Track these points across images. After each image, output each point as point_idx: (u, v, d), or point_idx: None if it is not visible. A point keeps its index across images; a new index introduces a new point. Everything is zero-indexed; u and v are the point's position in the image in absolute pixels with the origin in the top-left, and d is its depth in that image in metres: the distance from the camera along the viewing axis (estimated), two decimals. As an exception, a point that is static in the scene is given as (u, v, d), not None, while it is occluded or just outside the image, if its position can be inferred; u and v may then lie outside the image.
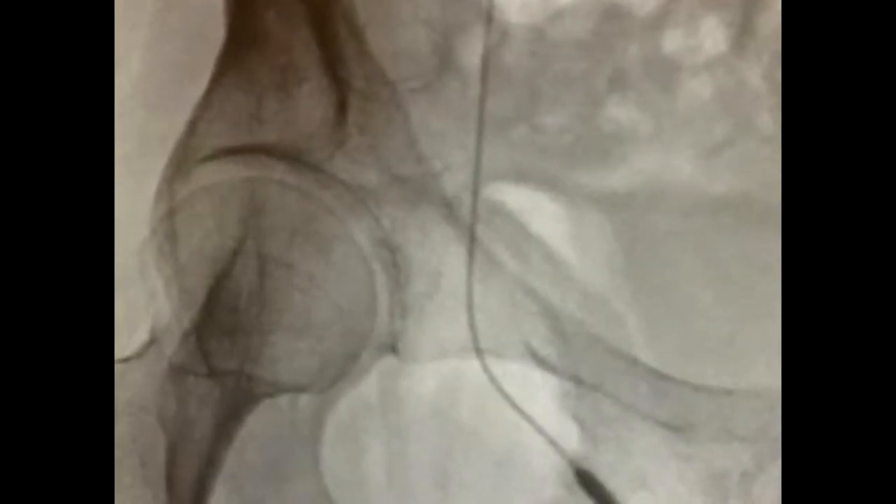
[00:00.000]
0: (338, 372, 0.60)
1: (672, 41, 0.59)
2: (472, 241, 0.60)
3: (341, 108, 0.60)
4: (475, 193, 0.60)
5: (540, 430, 0.59)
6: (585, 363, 0.60)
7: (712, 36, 0.59)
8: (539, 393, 0.60)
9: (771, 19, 0.59)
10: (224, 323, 0.60)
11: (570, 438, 0.60)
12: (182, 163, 0.60)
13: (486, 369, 0.59)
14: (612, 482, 0.59)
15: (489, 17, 0.59)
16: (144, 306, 0.60)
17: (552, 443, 0.59)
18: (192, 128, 0.60)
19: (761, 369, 0.58)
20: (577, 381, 0.60)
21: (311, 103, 0.60)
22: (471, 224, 0.60)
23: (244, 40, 0.60)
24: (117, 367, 0.58)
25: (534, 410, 0.59)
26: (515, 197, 0.60)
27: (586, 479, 0.59)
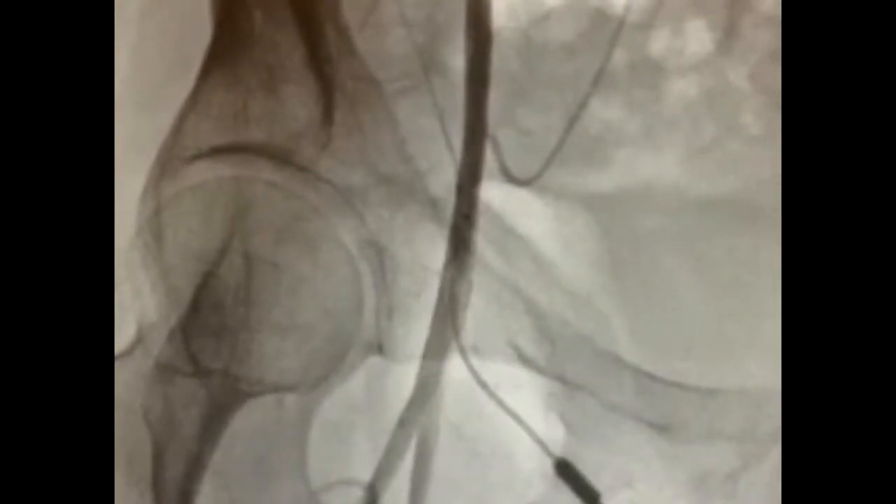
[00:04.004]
0: (324, 371, 0.60)
1: (658, 43, 0.59)
2: (457, 240, 0.60)
3: (328, 108, 0.60)
4: (464, 193, 0.60)
5: (525, 427, 0.59)
6: (571, 363, 0.60)
7: (698, 37, 0.59)
8: (525, 392, 0.60)
9: (756, 20, 0.59)
10: (210, 322, 0.60)
11: (556, 438, 0.60)
12: (169, 162, 0.60)
13: (472, 369, 0.59)
14: (598, 481, 0.59)
15: (475, 19, 0.59)
16: (131, 305, 0.60)
17: (537, 439, 0.59)
18: (179, 127, 0.60)
19: (747, 369, 0.58)
20: (563, 380, 0.60)
21: (297, 103, 0.60)
22: (458, 224, 0.60)
23: (231, 40, 0.60)
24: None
25: (519, 410, 0.60)
26: (502, 197, 0.60)
27: (564, 469, 0.59)
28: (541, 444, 0.59)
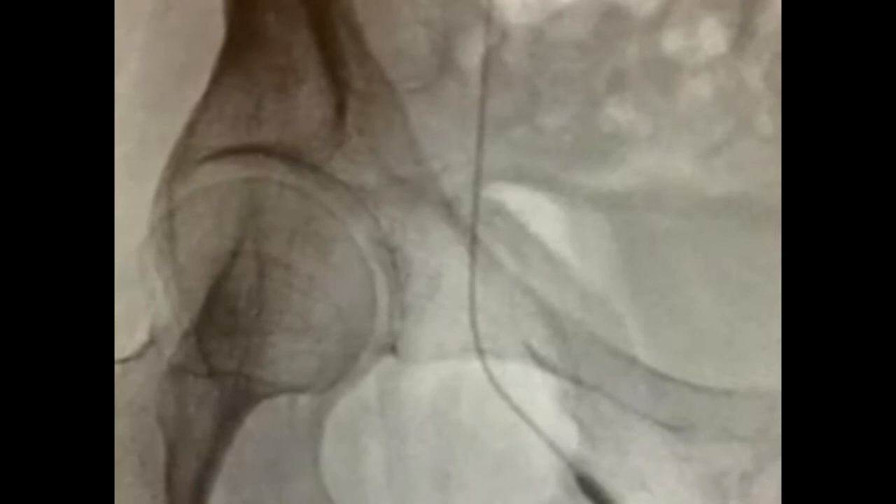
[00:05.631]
0: (337, 373, 0.60)
1: (671, 42, 0.59)
2: (473, 241, 0.60)
3: (341, 108, 0.60)
4: (475, 194, 0.60)
5: (539, 431, 0.59)
6: (585, 363, 0.60)
7: (712, 36, 0.59)
8: (538, 393, 0.60)
9: (770, 20, 0.59)
10: (223, 323, 0.60)
11: (570, 439, 0.60)
12: (181, 163, 0.60)
13: (486, 369, 0.59)
14: (611, 483, 0.59)
15: (489, 18, 0.59)
16: (144, 307, 0.60)
17: (551, 444, 0.59)
18: (192, 128, 0.60)
19: (760, 369, 0.58)
20: (577, 381, 0.60)
21: (310, 104, 0.60)
22: (472, 224, 0.60)
23: (244, 41, 0.60)
24: (117, 368, 0.58)
25: (533, 411, 0.60)
26: (515, 197, 0.60)
27: (587, 485, 0.59)
28: (552, 446, 0.59)
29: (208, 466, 0.60)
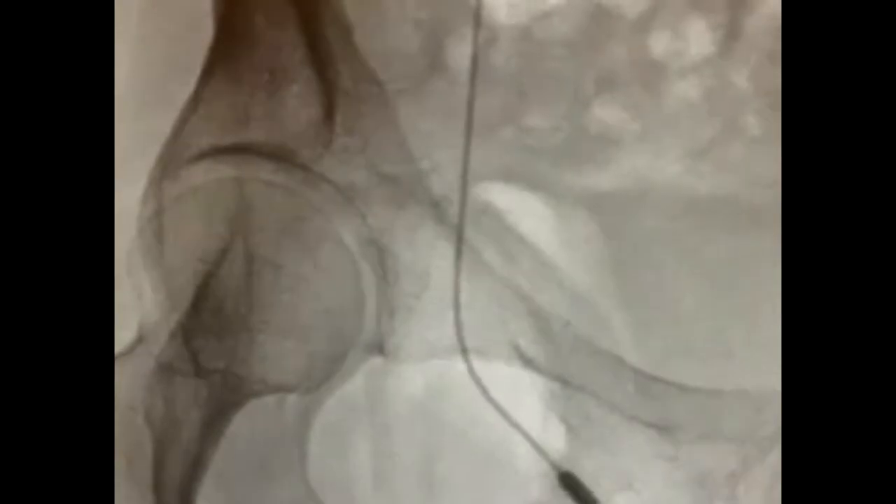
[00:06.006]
0: (325, 372, 0.60)
1: (659, 43, 0.59)
2: (459, 241, 0.60)
3: (329, 108, 0.60)
4: (463, 193, 0.60)
5: (523, 432, 0.59)
6: (572, 364, 0.60)
7: (699, 38, 0.59)
8: (525, 393, 0.60)
9: (758, 22, 0.59)
10: (211, 322, 0.60)
11: (557, 439, 0.60)
12: (170, 163, 0.60)
13: (471, 370, 0.59)
14: (598, 483, 0.59)
15: (477, 18, 0.59)
16: (132, 306, 0.60)
17: (535, 446, 0.59)
18: (180, 128, 0.60)
19: (747, 370, 0.58)
20: (564, 381, 0.60)
21: (299, 103, 0.60)
22: (458, 224, 0.60)
23: (232, 40, 0.60)
24: (105, 367, 0.58)
25: (520, 411, 0.60)
26: (503, 197, 0.60)
27: (569, 481, 0.59)
28: (537, 447, 0.59)
29: (196, 465, 0.60)
